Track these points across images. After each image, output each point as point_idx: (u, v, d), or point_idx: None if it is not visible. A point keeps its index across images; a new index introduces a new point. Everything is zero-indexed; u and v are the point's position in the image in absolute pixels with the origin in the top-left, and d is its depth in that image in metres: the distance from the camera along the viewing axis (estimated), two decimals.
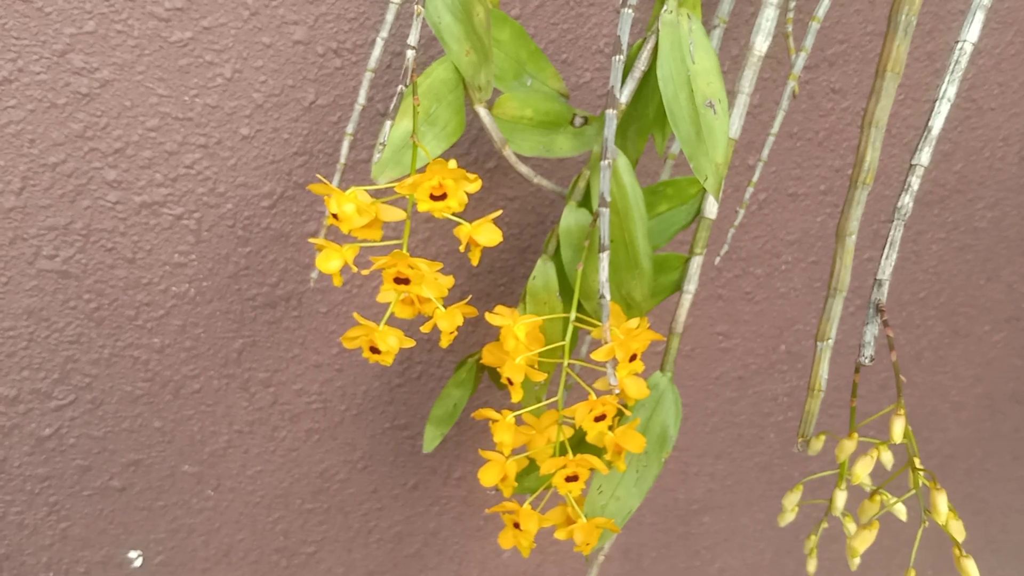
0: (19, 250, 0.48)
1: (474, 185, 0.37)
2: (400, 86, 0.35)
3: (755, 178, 0.49)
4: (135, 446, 0.54)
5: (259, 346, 0.55)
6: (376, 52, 0.43)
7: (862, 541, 0.37)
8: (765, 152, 0.51)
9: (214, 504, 0.57)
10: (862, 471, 0.36)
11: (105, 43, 0.46)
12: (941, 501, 0.35)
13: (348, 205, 0.36)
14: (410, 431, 0.61)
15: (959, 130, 0.73)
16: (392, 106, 0.36)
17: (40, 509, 0.53)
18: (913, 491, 0.35)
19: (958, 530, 0.35)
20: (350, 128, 0.43)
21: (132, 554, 0.56)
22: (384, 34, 0.42)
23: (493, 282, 0.59)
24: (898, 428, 0.35)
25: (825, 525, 0.42)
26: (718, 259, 0.53)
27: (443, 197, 0.35)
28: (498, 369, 0.44)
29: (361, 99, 0.43)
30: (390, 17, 0.42)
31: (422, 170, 0.36)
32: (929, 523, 0.36)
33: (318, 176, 0.35)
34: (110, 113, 0.47)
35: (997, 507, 0.94)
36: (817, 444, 0.42)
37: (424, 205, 0.35)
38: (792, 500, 0.42)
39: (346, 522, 0.62)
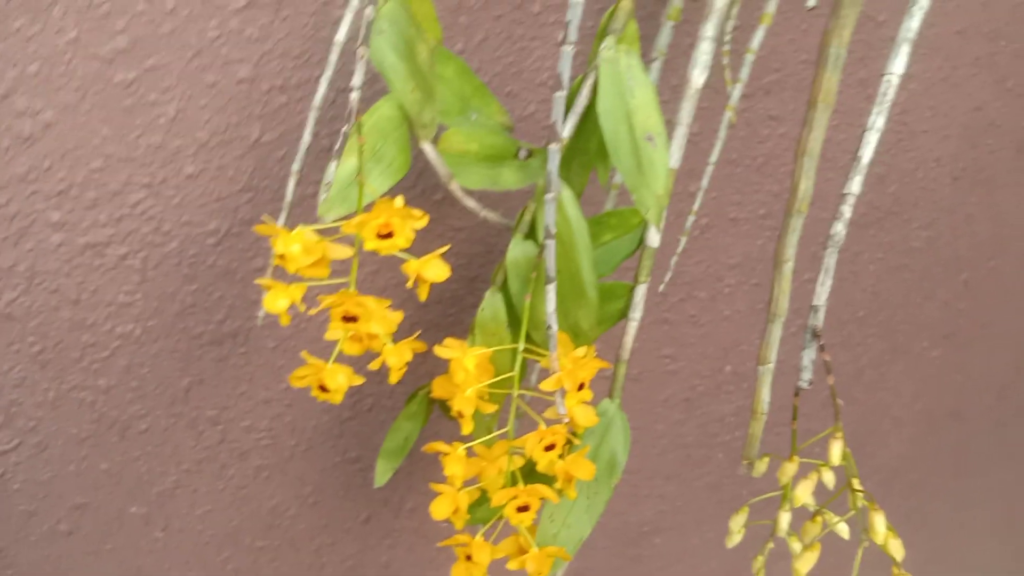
0: None
1: (421, 222, 0.38)
2: (345, 126, 0.35)
3: (696, 206, 0.50)
4: (82, 489, 0.53)
5: (206, 384, 0.54)
6: (321, 90, 0.43)
7: (805, 563, 0.38)
8: (705, 180, 0.52)
9: (163, 545, 0.57)
10: (803, 493, 0.37)
11: (48, 85, 0.46)
12: (879, 521, 0.36)
13: (294, 246, 0.36)
14: (361, 464, 0.61)
15: (892, 153, 0.75)
16: (337, 146, 0.36)
17: None
18: (852, 512, 0.36)
19: (897, 548, 0.36)
20: (296, 166, 0.44)
21: None
22: (329, 73, 0.43)
23: (442, 312, 0.60)
24: (836, 451, 0.36)
25: (771, 545, 0.43)
26: (662, 286, 0.54)
27: (390, 235, 0.36)
28: (448, 402, 0.44)
29: (307, 136, 0.43)
30: (334, 58, 0.43)
31: (369, 208, 0.37)
32: (870, 542, 0.37)
33: (264, 217, 0.35)
34: (53, 155, 0.47)
35: (940, 522, 0.97)
36: (761, 466, 0.43)
37: (371, 244, 0.36)
38: (739, 522, 0.43)
39: (298, 558, 0.61)
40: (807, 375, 0.40)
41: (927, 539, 0.96)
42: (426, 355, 0.60)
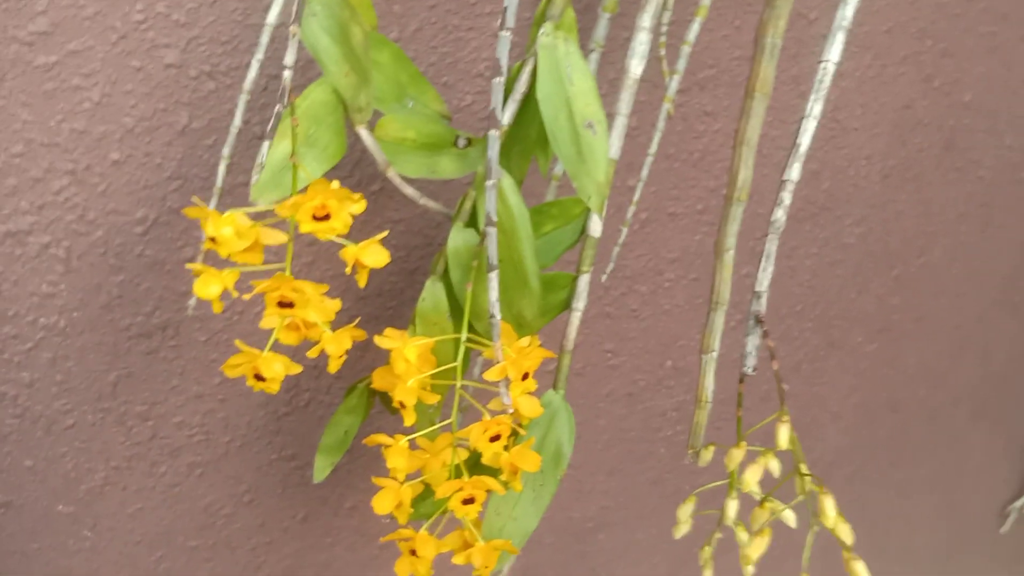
0: None
1: (358, 205, 0.37)
2: (278, 106, 0.34)
3: (636, 197, 0.50)
4: (4, 487, 0.51)
5: (135, 378, 0.52)
6: (251, 74, 0.42)
7: (755, 548, 0.38)
8: (644, 171, 0.52)
9: (92, 544, 0.54)
10: (752, 479, 0.37)
11: None
12: (828, 505, 0.36)
13: (226, 228, 0.35)
14: (298, 461, 0.59)
15: (825, 149, 0.76)
16: (270, 127, 0.35)
17: None
18: (801, 496, 0.36)
19: (846, 533, 0.37)
20: (226, 151, 0.42)
21: None
22: (260, 56, 0.41)
23: (382, 305, 0.58)
24: (783, 434, 0.36)
25: (719, 535, 0.43)
26: (604, 276, 0.54)
27: (326, 218, 0.35)
28: (389, 393, 0.43)
29: (237, 121, 0.42)
30: (265, 39, 0.41)
31: (304, 191, 0.35)
32: (819, 527, 0.37)
33: (194, 199, 0.33)
34: None
35: (878, 512, 0.98)
36: (707, 455, 0.43)
37: (307, 226, 0.35)
38: (686, 511, 0.43)
39: (233, 558, 0.59)
40: (751, 361, 0.40)
41: (867, 529, 0.97)
42: (365, 349, 0.59)
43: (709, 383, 0.43)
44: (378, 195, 0.56)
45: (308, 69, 0.50)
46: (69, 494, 0.53)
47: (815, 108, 0.41)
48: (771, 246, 0.40)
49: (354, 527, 0.63)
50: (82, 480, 0.53)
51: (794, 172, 0.41)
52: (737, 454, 0.39)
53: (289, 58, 0.35)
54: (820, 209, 0.78)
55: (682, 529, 0.43)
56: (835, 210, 0.79)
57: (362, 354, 0.59)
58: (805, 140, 0.41)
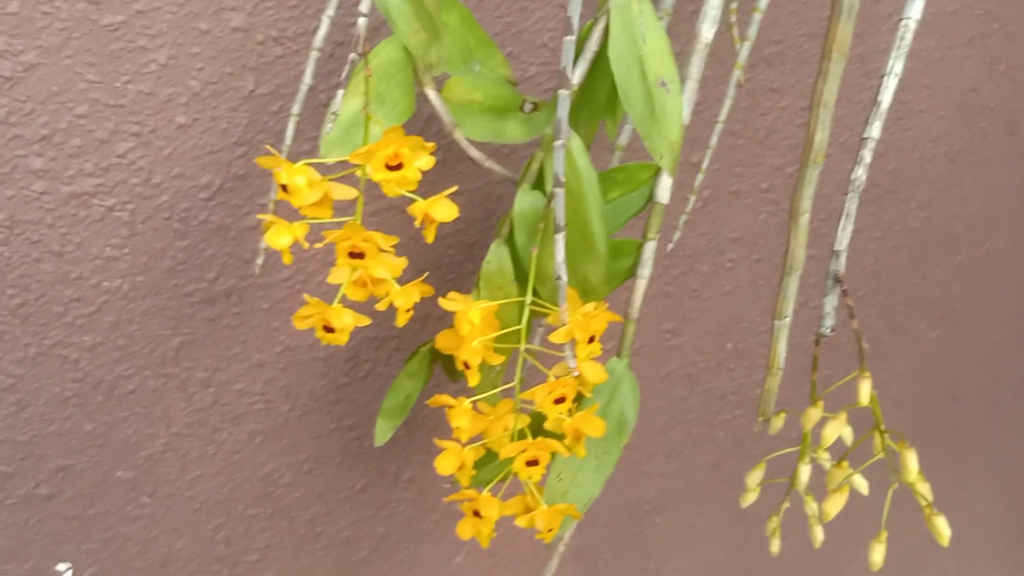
0: None
1: (427, 160, 0.36)
2: (352, 55, 0.34)
3: (705, 164, 0.49)
4: (64, 451, 0.51)
5: (198, 344, 0.52)
6: (322, 31, 0.41)
7: (833, 505, 0.37)
8: (713, 139, 0.51)
9: (151, 511, 0.55)
10: (832, 434, 0.36)
11: (30, 25, 0.44)
12: (911, 459, 0.35)
13: (299, 177, 0.34)
14: (357, 432, 0.59)
15: (891, 131, 0.75)
16: (344, 75, 0.35)
17: None
18: (880, 454, 0.35)
19: (926, 489, 0.35)
20: (296, 108, 0.42)
21: (61, 567, 0.53)
22: (331, 12, 0.41)
23: (440, 278, 0.58)
24: (865, 390, 0.35)
25: (787, 504, 0.42)
26: (671, 245, 0.53)
27: (399, 167, 0.34)
28: (453, 354, 0.43)
29: (307, 79, 0.42)
30: None
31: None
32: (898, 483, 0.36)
33: (266, 147, 0.33)
34: (36, 98, 0.45)
35: (936, 503, 0.96)
36: (777, 422, 0.41)
37: (379, 175, 0.34)
38: (755, 478, 0.42)
39: (291, 528, 0.59)
40: (829, 321, 0.38)
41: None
42: (425, 321, 0.58)
43: (781, 349, 0.42)
44: (440, 166, 0.55)
45: (376, 33, 0.49)
46: (129, 459, 0.53)
47: (896, 65, 0.39)
48: (851, 205, 0.39)
49: (412, 500, 0.63)
50: (142, 446, 0.53)
51: (875, 130, 0.40)
52: (814, 413, 0.38)
53: (364, 5, 0.35)
54: (885, 191, 0.76)
55: (750, 497, 0.42)
56: (900, 193, 0.77)
57: (422, 326, 0.59)
58: (886, 98, 0.39)
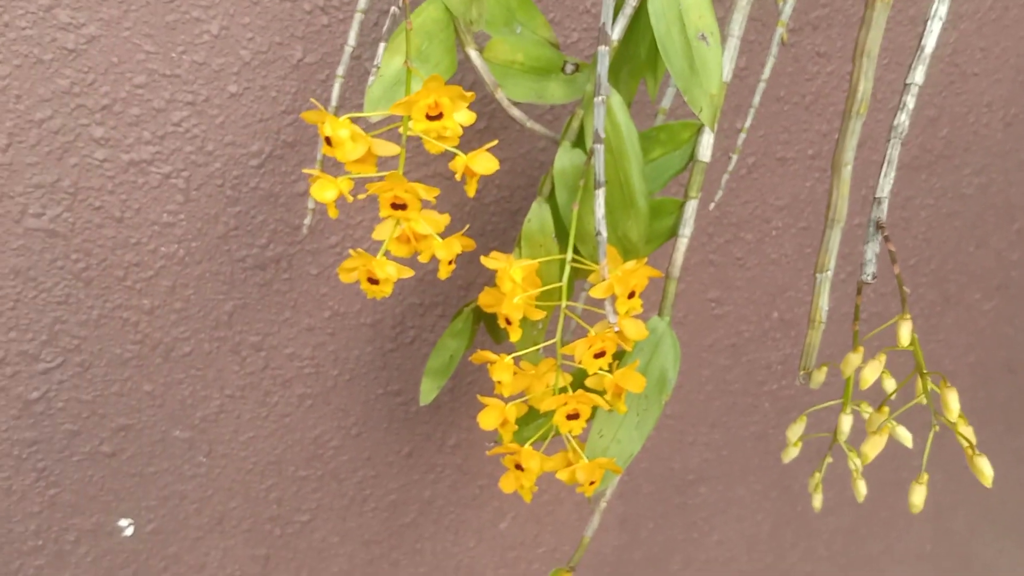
0: (5, 208, 0.47)
1: (467, 115, 0.37)
2: (392, 8, 0.35)
3: (748, 123, 0.49)
4: (125, 410, 0.53)
5: (250, 308, 0.54)
6: None
7: (872, 447, 0.37)
8: (756, 98, 0.51)
9: (206, 471, 0.56)
10: (871, 375, 0.36)
11: None
12: (952, 399, 0.35)
13: (342, 130, 0.35)
14: (404, 397, 0.60)
15: (944, 95, 0.73)
16: (385, 28, 0.36)
17: (28, 475, 0.52)
18: (922, 396, 0.35)
19: (969, 432, 0.35)
20: (341, 70, 0.43)
21: (123, 522, 0.55)
22: None
23: (484, 245, 0.59)
24: (905, 332, 0.35)
25: (829, 460, 0.42)
26: (712, 205, 0.53)
27: (439, 117, 0.35)
28: (495, 311, 0.43)
29: (351, 40, 0.43)
30: None
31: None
32: (940, 426, 0.36)
33: (312, 100, 0.34)
34: (97, 69, 0.47)
35: (994, 481, 0.94)
36: (820, 376, 0.41)
37: (420, 125, 0.35)
38: (796, 432, 0.42)
39: (340, 490, 0.61)
40: (871, 268, 0.38)
41: (980, 497, 0.93)
42: (469, 288, 0.59)
43: (823, 303, 0.42)
44: (484, 133, 0.56)
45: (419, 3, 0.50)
46: (186, 420, 0.55)
47: (940, 9, 0.39)
48: (893, 151, 0.39)
49: (457, 465, 0.64)
50: (198, 407, 0.55)
51: (918, 75, 0.39)
52: (855, 359, 0.38)
53: None
54: (937, 157, 0.75)
55: (791, 452, 0.42)
56: (953, 159, 0.75)
57: (466, 293, 0.60)
58: (930, 42, 0.39)
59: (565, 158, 0.44)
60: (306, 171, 0.37)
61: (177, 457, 0.55)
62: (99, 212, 0.49)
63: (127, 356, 0.52)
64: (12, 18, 0.45)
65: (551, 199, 0.46)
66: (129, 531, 0.56)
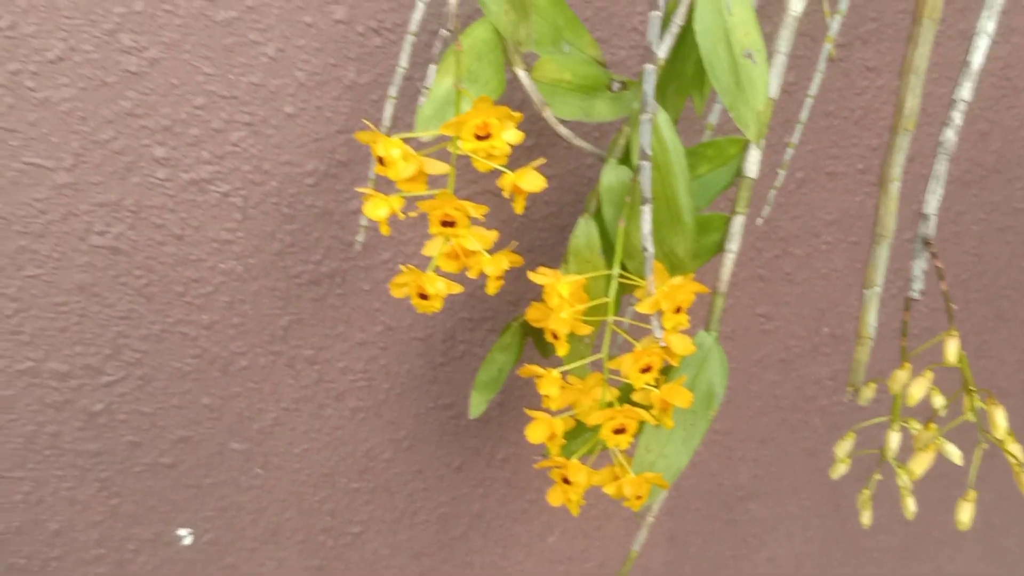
0: (71, 226, 0.49)
1: (515, 134, 0.38)
2: (443, 30, 0.36)
3: (795, 138, 0.49)
4: (184, 423, 0.55)
5: (304, 323, 0.55)
6: (416, 15, 0.43)
7: (920, 464, 0.37)
8: (804, 113, 0.51)
9: (262, 482, 0.58)
10: (918, 391, 0.36)
11: (153, 22, 0.47)
12: (999, 416, 0.34)
13: (394, 150, 0.36)
14: (454, 411, 0.61)
15: (995, 109, 0.73)
16: (436, 50, 0.37)
17: (91, 485, 0.54)
18: (969, 413, 0.35)
19: (1017, 449, 0.35)
20: (393, 91, 0.44)
21: (182, 532, 0.57)
22: None
23: (532, 261, 0.60)
24: (952, 348, 0.35)
25: (878, 476, 0.42)
26: (760, 220, 0.53)
27: (487, 137, 0.36)
28: (542, 326, 0.44)
29: (403, 62, 0.44)
30: None
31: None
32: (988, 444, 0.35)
33: (364, 121, 0.35)
34: (158, 91, 0.49)
35: None
36: (868, 392, 0.41)
37: (469, 144, 0.36)
38: (844, 448, 0.42)
39: (392, 502, 0.62)
40: (918, 284, 0.38)
41: None
42: (517, 304, 0.60)
43: (871, 319, 0.41)
44: (531, 150, 0.57)
45: (468, 24, 0.51)
46: (242, 432, 0.56)
47: (987, 25, 0.39)
48: (939, 167, 0.39)
49: (506, 479, 0.64)
50: (254, 419, 0.56)
51: (965, 91, 0.39)
52: (902, 375, 0.38)
53: None
54: (989, 172, 0.74)
55: (839, 469, 0.42)
56: (1006, 173, 0.74)
57: (514, 308, 0.60)
58: (976, 58, 0.39)
59: (612, 175, 0.45)
60: (359, 189, 0.38)
61: (234, 469, 0.57)
62: (160, 230, 0.51)
63: (187, 370, 0.54)
64: (78, 42, 0.47)
65: (598, 215, 0.46)
66: (187, 541, 0.57)
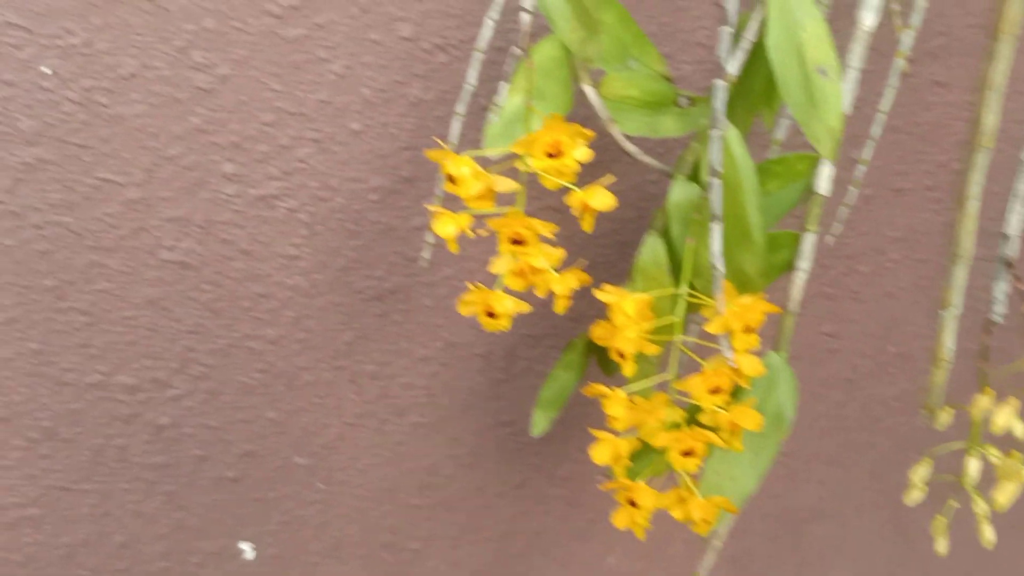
0: (141, 241, 0.50)
1: (585, 152, 0.38)
2: (516, 49, 0.36)
3: (867, 154, 0.48)
4: (249, 437, 0.55)
5: (368, 339, 0.56)
6: (485, 33, 0.43)
7: (1005, 494, 0.35)
8: (876, 129, 0.50)
9: (324, 497, 0.58)
10: (1002, 421, 0.35)
11: (223, 39, 0.48)
12: None
13: (464, 168, 0.36)
14: (514, 428, 0.61)
15: None
16: (508, 68, 0.36)
17: (157, 498, 0.54)
18: None
19: None
20: (461, 108, 0.44)
21: (245, 546, 0.57)
22: (494, 15, 0.43)
23: (595, 277, 0.58)
24: None
25: (955, 505, 0.41)
26: (830, 238, 0.52)
27: (558, 155, 0.36)
28: (607, 345, 0.44)
29: (471, 80, 0.44)
30: None
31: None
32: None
33: (435, 139, 0.35)
34: (227, 108, 0.49)
35: None
36: (944, 416, 0.40)
37: (539, 163, 0.36)
38: (921, 474, 0.41)
39: (452, 519, 0.61)
40: (1000, 308, 0.37)
41: None
42: (579, 320, 0.59)
43: (948, 341, 0.40)
44: (594, 166, 0.56)
45: (533, 39, 0.51)
46: (306, 447, 0.57)
47: None
48: (1020, 185, 0.38)
49: (567, 497, 0.64)
50: (318, 434, 0.57)
51: None
52: (983, 401, 0.37)
53: (528, 2, 0.36)
54: None
55: (915, 495, 0.41)
56: None
57: (576, 324, 0.60)
58: None
59: (680, 192, 0.45)
60: (429, 207, 0.38)
61: (297, 483, 0.57)
62: (228, 245, 0.51)
63: (252, 384, 0.54)
64: (150, 59, 0.47)
65: (665, 232, 0.46)
66: (250, 555, 0.57)
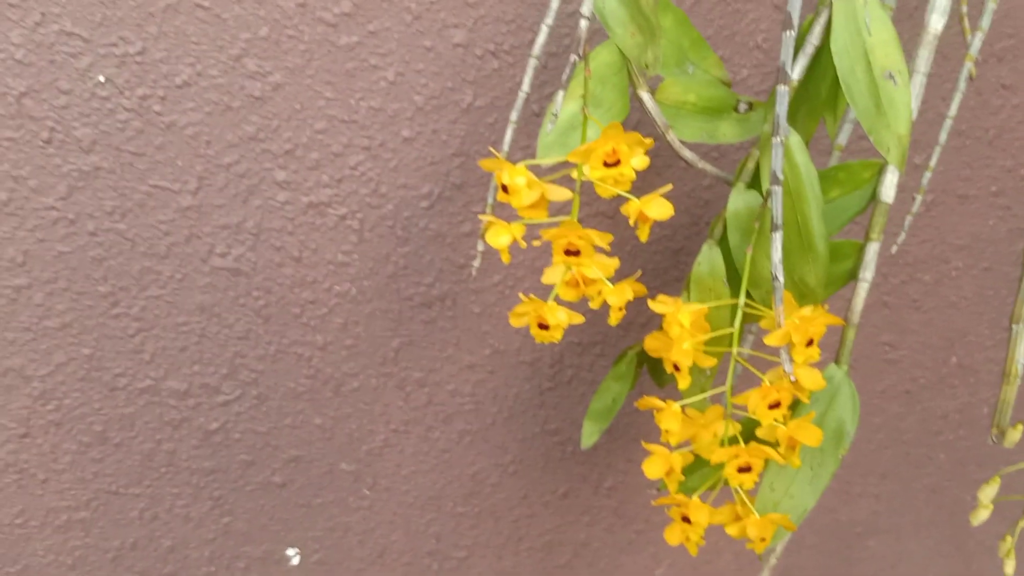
0: (194, 248, 0.50)
1: (642, 160, 0.37)
2: (572, 56, 0.35)
3: (933, 161, 0.46)
4: (296, 442, 0.55)
5: (415, 345, 0.55)
6: (540, 39, 0.43)
7: None
8: (943, 135, 0.48)
9: (370, 503, 0.58)
10: None
11: (277, 48, 0.48)
12: None
13: (519, 177, 0.35)
14: (560, 436, 0.60)
15: None
16: (564, 75, 0.36)
17: (205, 502, 0.55)
18: None
19: None
20: (514, 115, 0.43)
21: (290, 551, 0.57)
22: (549, 21, 0.42)
23: (646, 284, 0.58)
24: None
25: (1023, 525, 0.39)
26: (895, 247, 0.51)
27: (616, 164, 0.35)
28: (661, 356, 0.43)
29: (525, 86, 0.43)
30: (555, 3, 0.42)
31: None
32: None
33: (490, 149, 0.35)
34: (281, 116, 0.49)
35: None
36: (1015, 435, 0.38)
37: (596, 172, 0.35)
38: (988, 493, 0.39)
39: (497, 528, 0.61)
40: None
41: None
42: (628, 328, 0.58)
43: (1020, 355, 0.39)
44: (648, 172, 0.55)
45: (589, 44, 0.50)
46: (352, 453, 0.56)
47: None
48: None
49: (612, 508, 0.63)
50: (364, 440, 0.56)
51: None
52: None
53: (586, 8, 0.36)
54: None
55: (981, 515, 0.39)
56: None
57: (625, 332, 0.59)
58: None
59: (740, 200, 0.43)
60: (481, 217, 0.37)
61: (343, 489, 0.57)
62: (279, 252, 0.51)
63: (300, 390, 0.54)
64: (205, 67, 0.47)
65: (722, 242, 0.45)
66: (296, 560, 0.57)
